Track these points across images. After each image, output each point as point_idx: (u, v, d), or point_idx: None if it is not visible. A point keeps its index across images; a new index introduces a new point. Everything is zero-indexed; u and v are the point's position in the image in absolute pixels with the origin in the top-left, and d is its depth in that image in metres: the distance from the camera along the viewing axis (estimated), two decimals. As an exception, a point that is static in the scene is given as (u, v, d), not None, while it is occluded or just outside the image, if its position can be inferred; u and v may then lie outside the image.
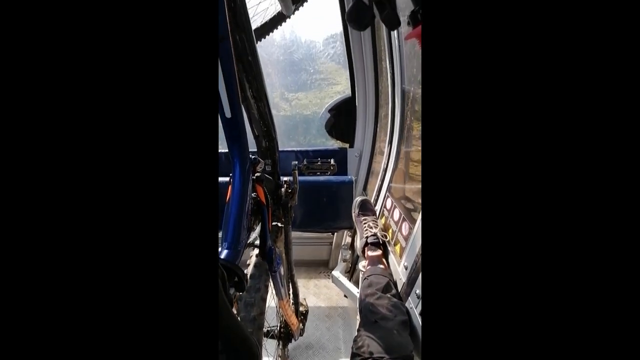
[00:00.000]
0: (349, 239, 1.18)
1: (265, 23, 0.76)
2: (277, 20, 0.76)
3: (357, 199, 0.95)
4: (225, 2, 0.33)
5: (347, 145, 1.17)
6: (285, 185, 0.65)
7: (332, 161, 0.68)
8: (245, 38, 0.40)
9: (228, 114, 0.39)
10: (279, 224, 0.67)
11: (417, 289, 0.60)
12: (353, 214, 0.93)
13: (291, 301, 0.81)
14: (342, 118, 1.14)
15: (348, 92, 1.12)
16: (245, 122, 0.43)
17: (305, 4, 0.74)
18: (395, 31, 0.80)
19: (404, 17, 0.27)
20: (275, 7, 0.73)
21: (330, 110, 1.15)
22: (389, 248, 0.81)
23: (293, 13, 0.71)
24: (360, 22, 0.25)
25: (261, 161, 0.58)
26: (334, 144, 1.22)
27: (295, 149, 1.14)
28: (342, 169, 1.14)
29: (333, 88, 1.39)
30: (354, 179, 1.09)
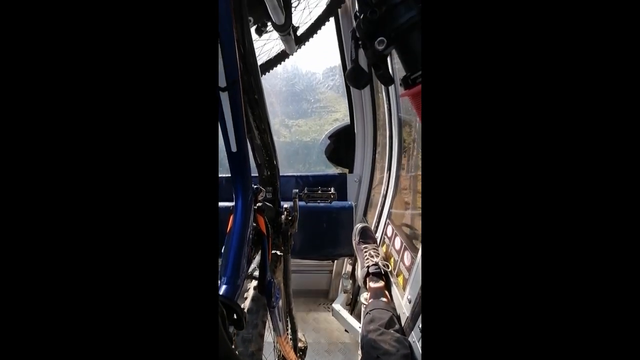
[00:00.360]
0: (349, 267, 1.16)
1: (270, 59, 0.83)
2: (280, 57, 0.83)
3: (358, 226, 0.95)
4: (236, 49, 0.36)
5: (346, 171, 1.20)
6: (285, 213, 0.66)
7: (332, 190, 0.70)
8: (252, 80, 0.44)
9: (234, 148, 0.42)
10: (278, 252, 0.67)
11: (420, 323, 0.58)
12: (353, 242, 0.93)
13: (289, 337, 0.78)
14: (341, 144, 1.18)
15: (347, 120, 1.17)
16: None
17: (307, 43, 0.81)
18: (390, 68, 0.88)
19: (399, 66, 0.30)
20: (279, 47, 0.80)
21: (330, 137, 1.20)
22: (392, 279, 0.79)
23: (295, 51, 0.77)
24: (358, 84, 0.29)
25: (263, 190, 0.60)
26: (334, 172, 1.25)
27: (295, 174, 1.17)
28: (341, 194, 1.16)
29: (332, 115, 1.46)
30: (353, 204, 1.10)
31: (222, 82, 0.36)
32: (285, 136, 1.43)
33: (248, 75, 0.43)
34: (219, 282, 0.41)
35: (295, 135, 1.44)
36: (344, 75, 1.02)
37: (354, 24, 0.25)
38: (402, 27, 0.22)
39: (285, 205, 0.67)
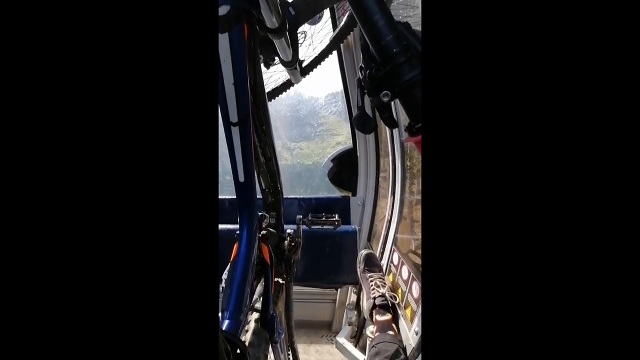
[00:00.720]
0: (354, 297, 1.12)
1: (276, 88, 0.88)
2: (286, 85, 0.89)
3: (362, 253, 0.94)
4: (248, 87, 0.40)
5: (349, 194, 1.21)
6: (288, 239, 0.67)
7: (336, 216, 0.71)
8: (261, 112, 0.47)
9: (242, 179, 0.43)
10: (280, 281, 0.66)
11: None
12: (358, 270, 0.91)
13: (290, 372, 0.74)
14: (344, 167, 1.21)
15: (349, 143, 1.21)
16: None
17: (311, 72, 0.87)
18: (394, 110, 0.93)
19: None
20: (285, 76, 0.85)
21: (332, 160, 1.23)
22: (399, 311, 0.77)
23: (300, 81, 0.82)
24: (364, 129, 0.32)
25: (267, 216, 0.61)
26: (337, 194, 1.26)
27: (297, 196, 1.18)
28: (344, 218, 1.16)
29: (334, 139, 1.51)
30: (357, 228, 1.09)
31: (233, 117, 0.39)
32: (287, 159, 1.46)
33: (257, 109, 0.46)
34: (222, 315, 0.41)
35: (297, 158, 1.47)
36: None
37: (359, 73, 0.28)
38: (405, 84, 0.24)
39: (289, 230, 0.67)
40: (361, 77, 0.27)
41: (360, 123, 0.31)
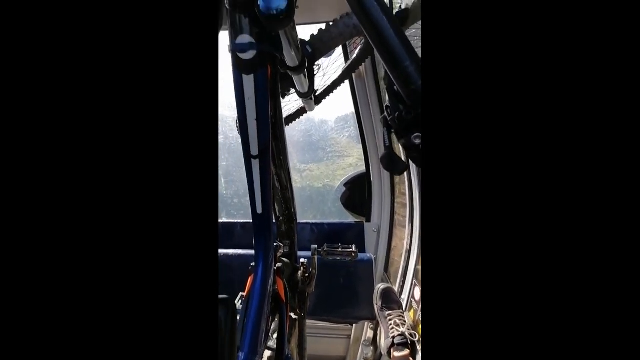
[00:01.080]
0: (370, 333, 1.06)
1: (290, 115, 0.92)
2: (300, 112, 0.93)
3: (379, 287, 0.90)
4: (270, 122, 0.42)
5: (363, 219, 1.19)
6: (302, 269, 0.65)
7: (353, 247, 0.70)
8: (280, 144, 0.49)
9: (259, 210, 0.44)
10: (293, 315, 0.64)
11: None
12: (375, 306, 0.87)
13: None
14: (356, 192, 1.20)
15: (360, 164, 1.22)
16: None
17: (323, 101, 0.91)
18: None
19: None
20: (299, 103, 0.90)
21: (345, 184, 1.23)
22: (418, 347, 0.73)
23: (314, 109, 0.86)
24: (393, 170, 0.32)
25: (282, 246, 0.61)
26: (351, 220, 1.24)
27: (310, 221, 1.17)
28: (359, 245, 1.13)
29: (346, 160, 1.52)
30: (373, 257, 1.06)
31: (254, 151, 0.41)
32: (296, 181, 1.47)
33: (276, 141, 0.48)
34: (238, 356, 0.40)
35: (306, 181, 1.48)
36: (363, 141, 1.12)
37: (385, 112, 0.29)
38: None
39: (302, 259, 0.66)
40: (388, 117, 0.28)
41: (389, 163, 0.31)
